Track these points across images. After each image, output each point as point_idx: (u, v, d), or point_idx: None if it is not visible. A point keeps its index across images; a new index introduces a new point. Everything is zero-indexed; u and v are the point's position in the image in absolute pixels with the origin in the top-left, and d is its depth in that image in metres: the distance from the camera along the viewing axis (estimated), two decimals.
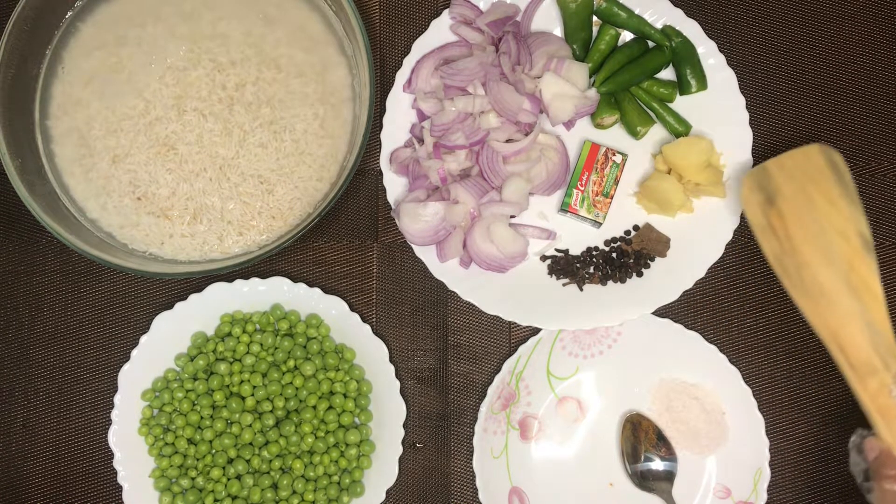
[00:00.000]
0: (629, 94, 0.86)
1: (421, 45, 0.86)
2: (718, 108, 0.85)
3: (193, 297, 0.83)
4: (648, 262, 0.84)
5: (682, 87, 0.85)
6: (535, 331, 0.85)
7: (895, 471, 0.67)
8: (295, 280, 0.84)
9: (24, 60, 0.79)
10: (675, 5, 0.85)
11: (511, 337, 0.87)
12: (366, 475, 0.84)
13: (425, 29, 0.86)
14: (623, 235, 0.86)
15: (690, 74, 0.84)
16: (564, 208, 0.84)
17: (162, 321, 0.83)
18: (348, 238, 0.88)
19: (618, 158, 0.84)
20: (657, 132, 0.86)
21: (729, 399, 0.83)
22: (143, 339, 0.83)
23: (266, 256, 0.76)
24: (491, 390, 0.83)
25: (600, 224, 0.84)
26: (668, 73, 0.86)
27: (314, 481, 0.82)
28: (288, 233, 0.79)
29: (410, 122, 0.86)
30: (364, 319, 0.85)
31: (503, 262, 0.83)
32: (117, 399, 0.83)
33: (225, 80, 0.82)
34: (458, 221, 0.82)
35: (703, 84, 0.85)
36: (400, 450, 0.82)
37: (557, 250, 0.85)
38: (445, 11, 0.86)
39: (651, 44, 0.86)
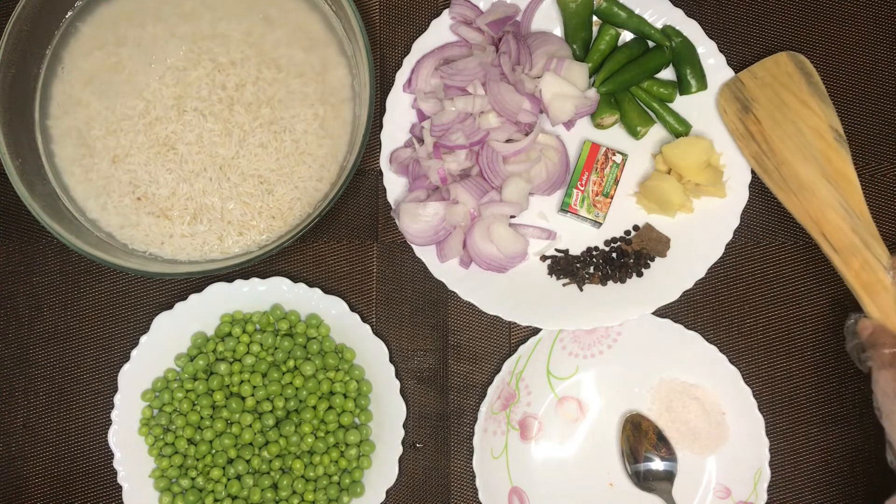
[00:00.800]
0: (629, 94, 0.86)
1: (421, 45, 0.86)
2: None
3: (193, 297, 0.83)
4: (648, 262, 0.84)
5: (682, 87, 0.85)
6: (535, 331, 0.85)
7: (888, 340, 0.74)
8: (295, 280, 0.84)
9: (24, 60, 0.79)
10: (675, 5, 0.85)
11: (511, 337, 0.87)
12: (366, 475, 0.84)
13: (425, 29, 0.86)
14: (623, 235, 0.86)
15: (690, 74, 0.84)
16: (564, 208, 0.84)
17: (162, 321, 0.83)
18: (348, 238, 0.88)
19: (618, 158, 0.84)
20: (657, 132, 0.86)
21: (729, 399, 0.83)
22: (143, 339, 0.83)
23: (266, 256, 0.77)
24: (491, 390, 0.83)
25: (600, 224, 0.84)
26: (668, 73, 0.86)
27: (314, 481, 0.82)
28: (288, 233, 0.79)
29: (410, 122, 0.86)
30: (364, 319, 0.85)
31: (503, 262, 0.83)
32: (117, 399, 0.83)
33: (225, 80, 0.82)
34: (458, 221, 0.82)
35: (703, 84, 0.85)
36: (400, 450, 0.82)
37: (557, 250, 0.85)
38: (445, 11, 0.86)
39: (651, 44, 0.86)
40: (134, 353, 0.83)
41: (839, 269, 0.78)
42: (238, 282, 0.84)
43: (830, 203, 0.78)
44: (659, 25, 0.86)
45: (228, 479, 0.82)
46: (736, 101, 0.81)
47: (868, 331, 0.76)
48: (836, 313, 0.86)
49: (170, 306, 0.83)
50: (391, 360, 0.84)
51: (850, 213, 0.78)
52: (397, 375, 0.83)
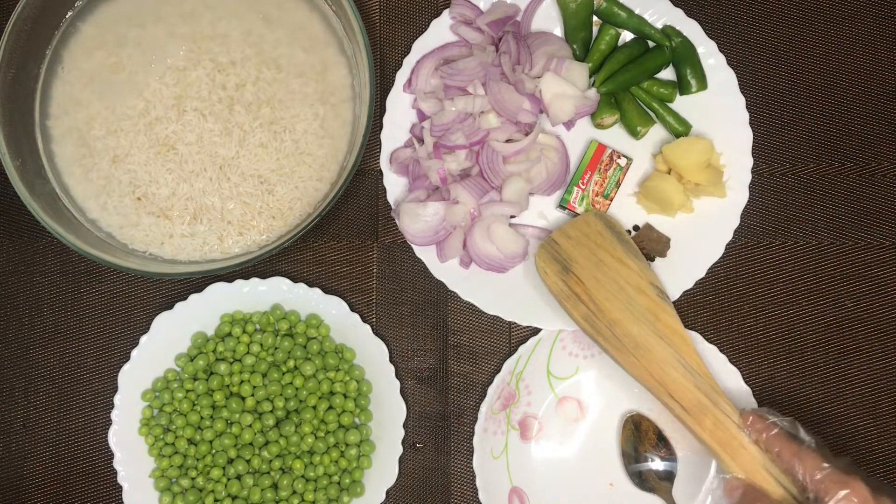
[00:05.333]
0: (629, 94, 0.86)
1: (421, 45, 0.86)
2: (718, 108, 0.85)
3: (193, 297, 0.83)
4: (648, 262, 0.84)
5: (682, 87, 0.85)
6: (535, 331, 0.85)
7: (761, 498, 0.69)
8: (295, 280, 0.84)
9: (25, 60, 0.79)
10: (675, 5, 0.85)
11: (511, 337, 0.87)
12: (366, 475, 0.84)
13: (425, 29, 0.86)
14: None
15: (690, 74, 0.84)
16: (563, 205, 0.84)
17: (162, 321, 0.83)
18: (348, 238, 0.88)
19: (622, 161, 0.84)
20: (657, 132, 0.86)
21: (729, 399, 0.83)
22: (143, 339, 0.83)
23: (266, 256, 0.77)
24: (491, 390, 0.83)
25: None
26: (668, 73, 0.86)
27: (314, 481, 0.82)
28: (288, 233, 0.79)
29: (410, 122, 0.86)
30: (364, 319, 0.85)
31: (503, 262, 0.83)
32: (117, 399, 0.83)
33: (225, 80, 0.82)
34: (458, 221, 0.82)
35: (703, 84, 0.85)
36: (400, 450, 0.82)
37: None
38: (445, 11, 0.86)
39: (651, 44, 0.86)
40: (134, 353, 0.83)
41: (693, 430, 0.74)
42: (238, 282, 0.84)
43: (669, 361, 0.75)
44: (659, 25, 0.86)
45: (228, 479, 0.82)
46: (555, 262, 0.79)
47: (738, 491, 0.71)
48: (836, 313, 0.86)
49: (170, 306, 0.83)
50: (391, 360, 0.84)
51: (690, 371, 0.75)
52: (397, 375, 0.83)
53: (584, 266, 0.79)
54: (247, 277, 0.84)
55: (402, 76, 0.85)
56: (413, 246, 0.84)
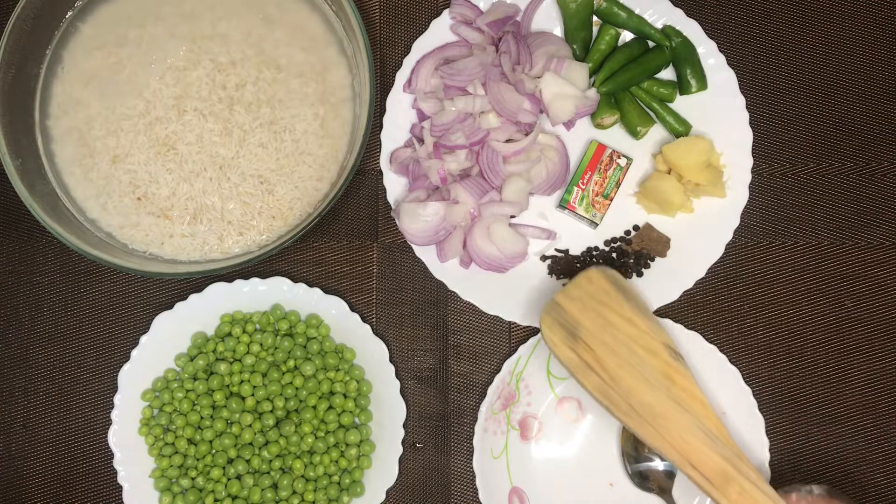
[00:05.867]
0: (629, 94, 0.86)
1: (421, 45, 0.86)
2: (718, 108, 0.85)
3: (193, 297, 0.83)
4: (648, 262, 0.84)
5: (682, 87, 0.85)
6: (535, 331, 0.85)
7: None
8: (295, 280, 0.84)
9: (25, 60, 0.79)
10: (675, 5, 0.85)
11: (511, 337, 0.87)
12: (366, 475, 0.84)
13: (425, 29, 0.86)
14: (623, 235, 0.86)
15: (690, 74, 0.84)
16: (563, 204, 0.84)
17: (162, 321, 0.83)
18: (348, 238, 0.88)
19: (622, 162, 0.84)
20: (657, 132, 0.86)
21: (729, 399, 0.83)
22: (143, 339, 0.83)
23: (266, 256, 0.77)
24: (491, 390, 0.83)
25: (596, 225, 0.84)
26: (668, 73, 0.86)
27: (314, 481, 0.82)
28: (288, 233, 0.79)
29: (410, 122, 0.86)
30: (364, 319, 0.85)
31: (503, 262, 0.83)
32: (117, 399, 0.83)
33: (225, 80, 0.82)
34: (458, 221, 0.82)
35: (703, 84, 0.85)
36: (400, 450, 0.82)
37: (557, 250, 0.85)
38: (445, 11, 0.86)
39: (651, 44, 0.86)
40: (134, 353, 0.83)
41: (717, 500, 0.70)
42: (238, 282, 0.84)
43: (689, 428, 0.71)
44: (659, 25, 0.86)
45: (228, 479, 0.82)
46: (561, 329, 0.74)
47: None
48: (836, 313, 0.86)
49: (170, 306, 0.83)
50: (391, 360, 0.84)
51: (710, 437, 0.71)
52: (397, 375, 0.83)
53: (591, 330, 0.74)
54: (247, 277, 0.84)
55: (402, 76, 0.85)
56: (413, 246, 0.84)
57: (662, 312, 0.85)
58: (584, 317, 0.74)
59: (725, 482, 0.70)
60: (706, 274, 0.83)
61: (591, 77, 0.86)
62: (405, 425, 0.83)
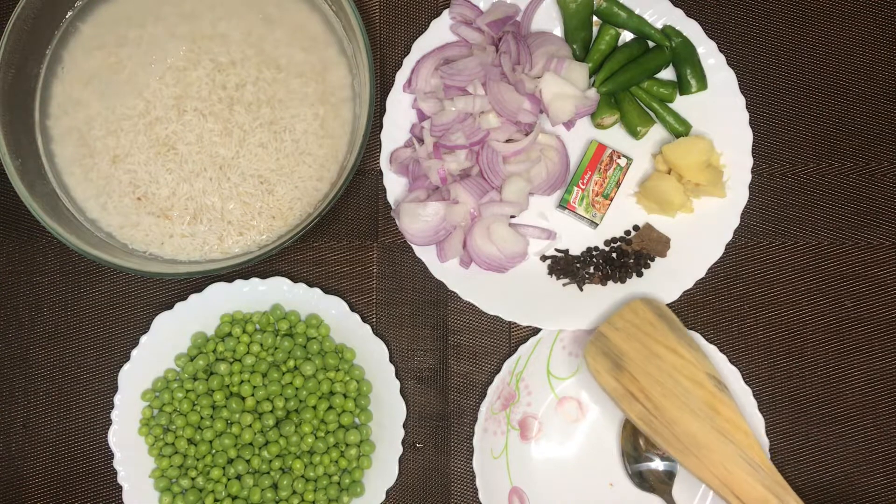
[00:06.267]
0: (629, 94, 0.86)
1: (421, 45, 0.86)
2: (718, 108, 0.85)
3: (193, 297, 0.83)
4: (648, 262, 0.84)
5: (682, 87, 0.85)
6: (535, 331, 0.85)
7: None
8: (295, 280, 0.84)
9: (25, 60, 0.79)
10: (675, 5, 0.85)
11: (511, 337, 0.87)
12: (366, 475, 0.84)
13: (425, 29, 0.86)
14: (623, 235, 0.86)
15: (690, 74, 0.84)
16: (563, 204, 0.84)
17: (162, 321, 0.83)
18: (348, 238, 0.88)
19: (622, 162, 0.84)
20: (657, 132, 0.86)
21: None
22: (143, 339, 0.83)
23: (266, 256, 0.76)
24: (491, 390, 0.83)
25: (596, 225, 0.84)
26: (668, 73, 0.86)
27: (314, 481, 0.82)
28: (288, 233, 0.79)
29: (410, 122, 0.86)
30: (364, 319, 0.85)
31: (503, 262, 0.83)
32: (117, 399, 0.83)
33: (225, 80, 0.82)
34: (458, 221, 0.82)
35: (703, 84, 0.85)
36: (400, 450, 0.82)
37: (557, 250, 0.85)
38: (445, 11, 0.86)
39: (651, 44, 0.86)
40: (134, 353, 0.83)
41: None
42: (238, 282, 0.84)
43: (732, 458, 0.72)
44: (659, 25, 0.86)
45: (228, 479, 0.82)
46: (606, 358, 0.76)
47: None
48: (836, 313, 0.86)
49: (170, 306, 0.83)
50: (391, 360, 0.84)
51: (754, 467, 0.72)
52: (397, 375, 0.83)
53: (636, 360, 0.75)
54: (247, 277, 0.84)
55: (402, 76, 0.85)
56: (413, 246, 0.84)
57: None
58: (629, 347, 0.76)
59: None
60: (706, 274, 0.83)
61: (591, 77, 0.86)
62: (405, 425, 0.83)
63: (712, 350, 0.83)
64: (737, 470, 0.72)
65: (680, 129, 0.85)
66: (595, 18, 0.87)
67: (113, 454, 0.82)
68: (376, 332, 0.85)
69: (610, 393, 0.76)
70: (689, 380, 0.74)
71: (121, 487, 0.82)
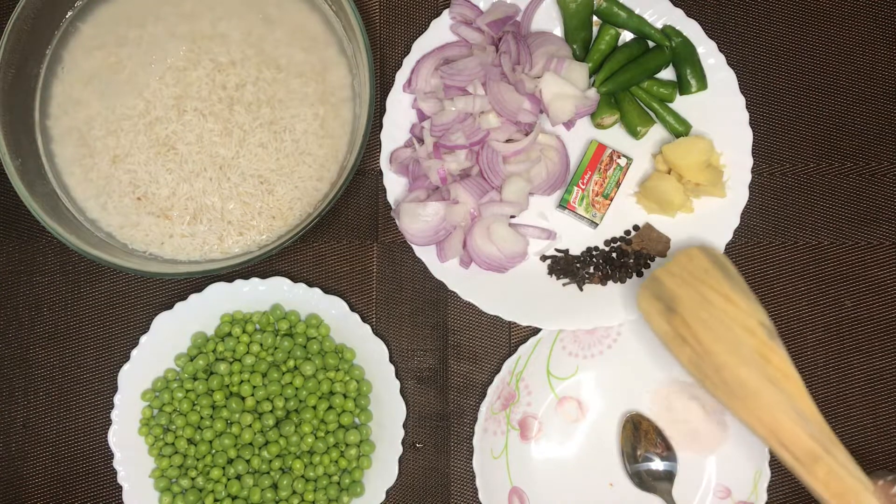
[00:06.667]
0: (629, 94, 0.86)
1: (421, 45, 0.86)
2: (718, 108, 0.85)
3: (193, 297, 0.83)
4: (648, 262, 0.84)
5: (682, 87, 0.85)
6: (535, 331, 0.85)
7: None
8: (295, 280, 0.84)
9: (25, 60, 0.79)
10: (675, 5, 0.85)
11: (511, 337, 0.87)
12: (366, 475, 0.84)
13: (425, 29, 0.86)
14: (623, 235, 0.86)
15: (690, 74, 0.84)
16: (563, 204, 0.84)
17: (162, 321, 0.83)
18: (348, 238, 0.88)
19: (622, 161, 0.84)
20: (657, 132, 0.86)
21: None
22: (143, 339, 0.83)
23: (266, 256, 0.76)
24: (491, 390, 0.83)
25: (596, 225, 0.84)
26: (668, 73, 0.86)
27: (314, 481, 0.82)
28: (288, 233, 0.79)
29: (410, 122, 0.86)
30: (364, 319, 0.85)
31: (503, 262, 0.83)
32: (117, 399, 0.83)
33: (225, 80, 0.82)
34: (458, 221, 0.82)
35: (703, 84, 0.85)
36: (400, 450, 0.82)
37: (557, 250, 0.85)
38: (445, 11, 0.86)
39: (651, 44, 0.86)
40: (134, 353, 0.83)
41: (804, 479, 0.69)
42: (238, 282, 0.84)
43: (780, 407, 0.70)
44: (659, 25, 0.86)
45: (228, 479, 0.82)
46: (658, 301, 0.75)
47: None
48: (836, 313, 0.86)
49: (170, 306, 0.83)
50: (391, 360, 0.84)
51: (802, 417, 0.70)
52: (397, 375, 0.83)
53: (689, 306, 0.74)
54: (247, 277, 0.84)
55: (402, 76, 0.85)
56: (413, 246, 0.84)
57: None
58: (683, 292, 0.75)
59: (813, 461, 0.69)
60: None
61: (591, 77, 0.86)
62: (405, 425, 0.83)
63: None
64: (785, 419, 0.70)
65: (680, 129, 0.85)
66: (595, 18, 0.87)
67: (113, 454, 0.82)
68: (376, 332, 0.85)
69: (660, 336, 0.75)
70: (740, 327, 0.73)
71: (121, 487, 0.82)
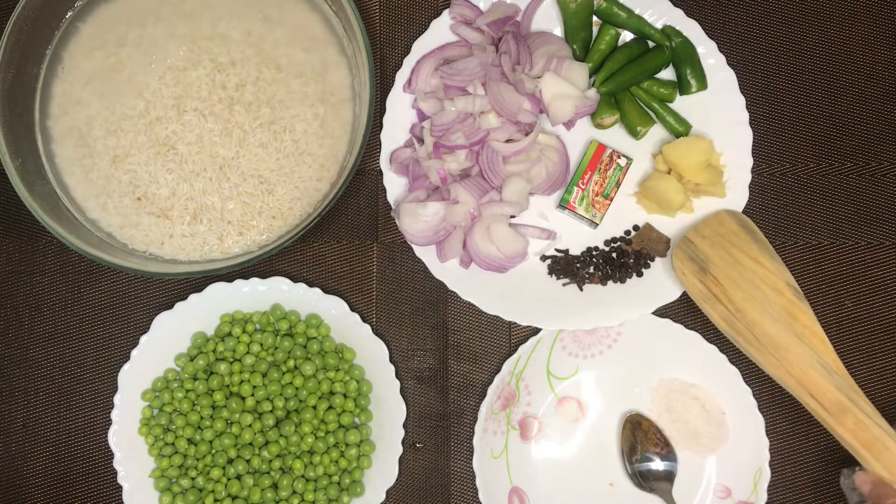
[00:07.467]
0: (629, 94, 0.86)
1: (421, 45, 0.86)
2: (718, 108, 0.85)
3: (193, 297, 0.83)
4: (648, 262, 0.84)
5: (682, 87, 0.85)
6: (535, 331, 0.85)
7: (892, 493, 0.71)
8: (295, 280, 0.84)
9: (25, 60, 0.79)
10: (675, 5, 0.85)
11: (511, 337, 0.87)
12: (366, 475, 0.84)
13: (425, 29, 0.86)
14: (623, 235, 0.86)
15: (690, 74, 0.84)
16: (563, 204, 0.84)
17: (162, 321, 0.83)
18: (348, 238, 0.88)
19: (622, 162, 0.84)
20: (657, 132, 0.86)
21: (729, 399, 0.83)
22: (143, 339, 0.83)
23: (266, 256, 0.76)
24: (491, 390, 0.83)
25: (596, 225, 0.84)
26: (668, 73, 0.86)
27: (314, 481, 0.82)
28: (288, 233, 0.79)
29: (410, 122, 0.86)
30: (364, 319, 0.85)
31: (503, 262, 0.83)
32: (117, 399, 0.83)
33: (225, 80, 0.82)
34: (458, 221, 0.82)
35: (703, 84, 0.85)
36: (400, 450, 0.82)
37: (557, 250, 0.85)
38: (445, 11, 0.86)
39: (651, 44, 0.86)
40: (134, 353, 0.83)
41: (834, 429, 0.75)
42: (238, 282, 0.84)
43: (808, 361, 0.75)
44: (659, 25, 0.86)
45: (228, 479, 0.82)
46: (692, 262, 0.80)
47: (868, 486, 0.73)
48: (836, 313, 0.86)
49: (170, 306, 0.83)
50: (391, 360, 0.84)
51: (829, 371, 0.75)
52: (397, 375, 0.83)
53: (720, 266, 0.79)
54: (247, 277, 0.84)
55: (402, 76, 0.85)
56: (413, 246, 0.84)
57: (662, 312, 0.85)
58: (714, 253, 0.79)
59: (842, 412, 0.74)
60: None
61: (591, 77, 0.86)
62: (405, 425, 0.83)
63: (712, 350, 0.83)
64: (813, 373, 0.75)
65: (680, 129, 0.85)
66: (595, 18, 0.87)
67: (113, 454, 0.82)
68: (376, 332, 0.85)
69: (694, 295, 0.79)
70: (769, 287, 0.78)
71: (121, 487, 0.82)
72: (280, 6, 0.83)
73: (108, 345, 0.87)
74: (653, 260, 0.84)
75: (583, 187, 0.84)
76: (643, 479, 0.83)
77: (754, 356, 0.77)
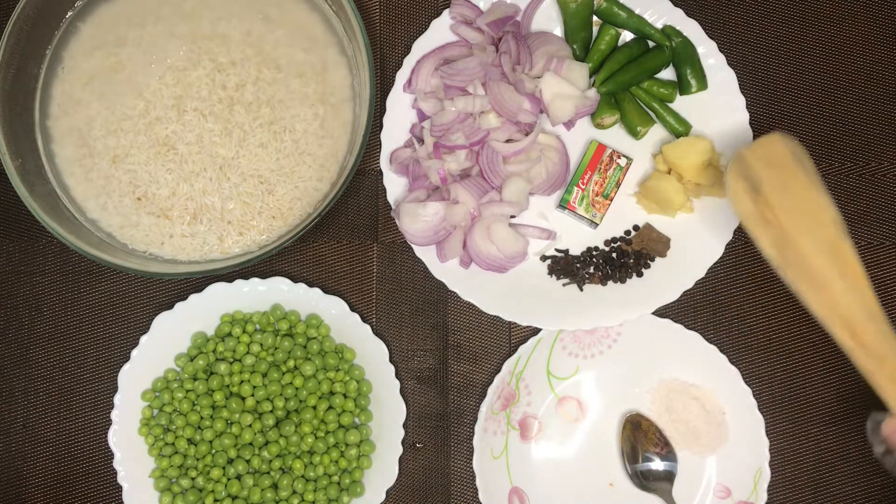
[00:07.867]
0: (629, 94, 0.86)
1: (421, 45, 0.86)
2: (718, 108, 0.85)
3: (193, 297, 0.83)
4: (648, 262, 0.84)
5: (682, 87, 0.85)
6: (535, 331, 0.85)
7: None
8: (295, 280, 0.84)
9: (25, 60, 0.79)
10: (675, 5, 0.85)
11: (511, 337, 0.87)
12: (366, 475, 0.84)
13: (425, 29, 0.86)
14: (623, 235, 0.86)
15: (690, 74, 0.84)
16: (563, 204, 0.84)
17: (162, 321, 0.83)
18: (348, 238, 0.88)
19: (622, 162, 0.84)
20: (657, 132, 0.86)
21: (729, 399, 0.83)
22: (143, 339, 0.83)
23: (266, 256, 0.77)
24: (491, 390, 0.83)
25: (596, 225, 0.84)
26: (668, 73, 0.86)
27: (314, 481, 0.82)
28: (288, 233, 0.79)
29: (410, 122, 0.86)
30: (364, 319, 0.85)
31: (503, 262, 0.83)
32: (117, 399, 0.83)
33: (225, 80, 0.82)
34: (458, 221, 0.82)
35: (703, 84, 0.85)
36: (400, 450, 0.82)
37: (557, 250, 0.85)
38: (445, 11, 0.86)
39: (651, 44, 0.86)
40: (134, 353, 0.83)
41: (872, 376, 0.69)
42: (238, 282, 0.84)
43: (855, 302, 0.70)
44: (659, 25, 0.86)
45: (228, 479, 0.82)
46: (745, 181, 0.73)
47: None
48: None
49: (170, 306, 0.83)
50: (391, 360, 0.84)
51: (870, 315, 0.69)
52: (397, 375, 0.83)
53: (772, 188, 0.73)
54: (247, 277, 0.84)
55: (402, 76, 0.85)
56: (413, 246, 0.84)
57: (662, 312, 0.85)
58: (766, 174, 0.74)
59: (882, 358, 0.69)
60: (706, 274, 0.83)
61: (591, 77, 0.86)
62: (405, 425, 0.83)
63: (712, 350, 0.83)
64: (859, 313, 0.70)
65: (680, 129, 0.85)
66: (595, 18, 0.87)
67: (113, 454, 0.82)
68: (376, 332, 0.85)
69: (745, 216, 0.73)
70: (815, 220, 0.72)
71: (121, 487, 0.82)
72: (280, 6, 0.83)
73: (108, 345, 0.87)
74: (653, 260, 0.84)
75: (583, 187, 0.84)
76: (643, 479, 0.83)
77: (799, 288, 0.71)
